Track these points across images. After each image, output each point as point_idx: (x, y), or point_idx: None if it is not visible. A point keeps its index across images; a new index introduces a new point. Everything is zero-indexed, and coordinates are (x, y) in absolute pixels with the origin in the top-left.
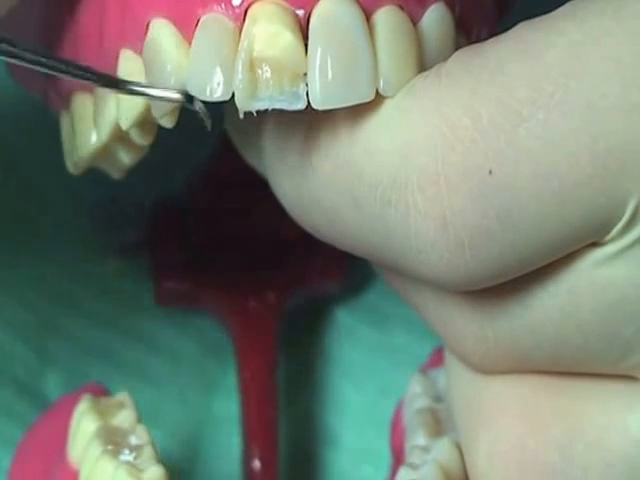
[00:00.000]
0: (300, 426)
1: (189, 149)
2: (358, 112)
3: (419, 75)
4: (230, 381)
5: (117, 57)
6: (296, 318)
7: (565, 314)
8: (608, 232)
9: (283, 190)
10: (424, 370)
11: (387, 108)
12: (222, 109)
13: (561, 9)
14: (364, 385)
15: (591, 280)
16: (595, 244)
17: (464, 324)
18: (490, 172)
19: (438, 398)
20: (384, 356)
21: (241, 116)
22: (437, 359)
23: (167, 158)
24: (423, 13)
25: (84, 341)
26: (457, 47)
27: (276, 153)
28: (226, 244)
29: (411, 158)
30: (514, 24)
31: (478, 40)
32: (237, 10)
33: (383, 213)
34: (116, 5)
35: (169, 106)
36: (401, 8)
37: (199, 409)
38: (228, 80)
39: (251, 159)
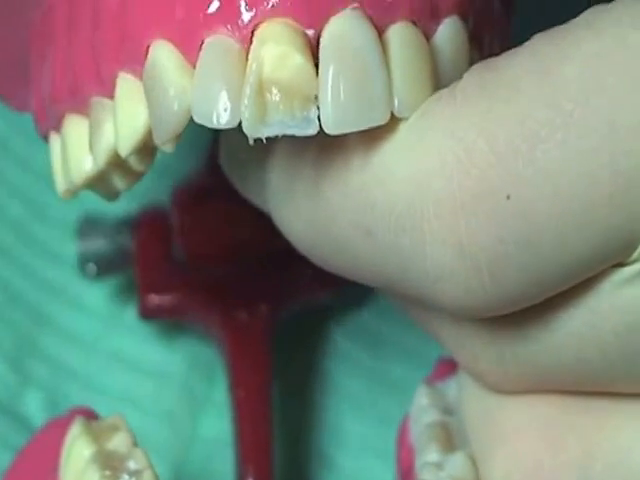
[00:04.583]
0: (295, 448)
1: (174, 160)
2: (371, 136)
3: (433, 96)
4: (218, 399)
5: (114, 82)
6: (290, 335)
7: (586, 335)
8: (630, 253)
9: (290, 222)
10: (430, 382)
11: (401, 132)
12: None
13: (577, 19)
14: (360, 408)
15: (612, 301)
16: (617, 264)
17: (481, 347)
18: (508, 197)
19: (448, 410)
20: (379, 381)
21: (251, 142)
22: (443, 370)
23: (152, 170)
24: (437, 28)
25: (64, 361)
26: (471, 61)
27: (283, 183)
28: (214, 255)
29: (426, 185)
30: (523, 30)
31: (491, 52)
32: (244, 31)
33: (397, 241)
34: (113, 26)
35: (172, 133)
36: (414, 23)
37: (187, 430)
38: (235, 105)
39: (250, 192)
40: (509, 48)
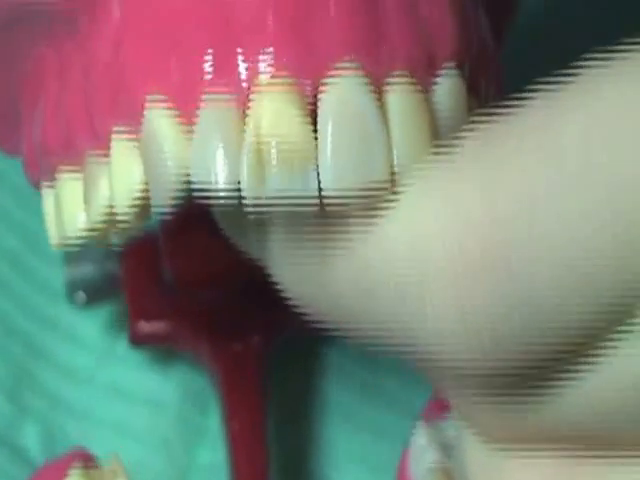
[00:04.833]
0: (292, 472)
1: None
2: (371, 202)
3: (431, 157)
4: (213, 426)
5: (109, 137)
6: (284, 357)
7: (590, 391)
8: (635, 311)
9: (290, 284)
10: (429, 418)
11: (400, 197)
12: None
13: (578, 76)
14: (358, 427)
15: (615, 358)
16: (622, 323)
17: (483, 400)
18: (509, 260)
19: (448, 448)
20: (376, 400)
21: (250, 217)
22: (442, 405)
23: None
24: (434, 78)
25: (60, 393)
26: (469, 109)
27: (284, 249)
28: (203, 281)
29: (427, 252)
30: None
31: (487, 96)
32: (241, 89)
33: (398, 306)
34: (106, 78)
35: (170, 197)
36: (411, 76)
37: (183, 459)
38: (234, 164)
39: (248, 249)
40: (504, 85)
